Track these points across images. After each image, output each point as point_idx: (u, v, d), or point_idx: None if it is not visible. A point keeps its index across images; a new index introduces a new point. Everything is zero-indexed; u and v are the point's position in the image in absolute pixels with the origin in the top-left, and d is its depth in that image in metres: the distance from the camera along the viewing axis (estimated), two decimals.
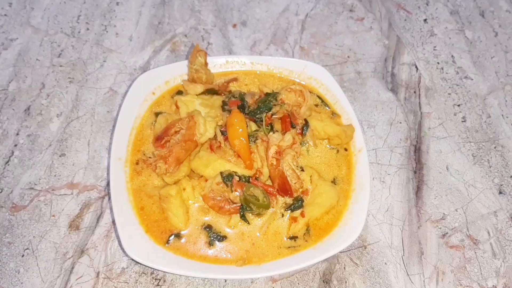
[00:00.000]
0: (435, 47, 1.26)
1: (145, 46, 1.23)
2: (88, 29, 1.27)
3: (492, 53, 1.25)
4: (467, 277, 0.92)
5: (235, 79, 1.04)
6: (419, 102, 1.15)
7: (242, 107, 0.94)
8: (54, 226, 0.96)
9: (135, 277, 0.91)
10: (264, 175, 0.91)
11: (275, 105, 0.95)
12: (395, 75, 1.20)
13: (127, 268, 0.92)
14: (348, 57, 1.23)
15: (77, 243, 0.94)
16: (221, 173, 0.88)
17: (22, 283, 0.90)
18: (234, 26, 1.28)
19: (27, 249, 0.94)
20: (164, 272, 0.88)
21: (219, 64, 1.07)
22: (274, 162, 0.89)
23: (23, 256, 0.93)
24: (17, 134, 1.08)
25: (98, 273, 0.91)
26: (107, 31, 1.26)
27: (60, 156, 1.05)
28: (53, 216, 0.97)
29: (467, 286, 0.91)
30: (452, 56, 1.24)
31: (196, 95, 0.99)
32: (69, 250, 0.94)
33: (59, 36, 1.25)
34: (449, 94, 1.17)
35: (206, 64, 0.99)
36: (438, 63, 1.23)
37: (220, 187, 0.87)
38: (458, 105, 1.15)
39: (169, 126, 0.90)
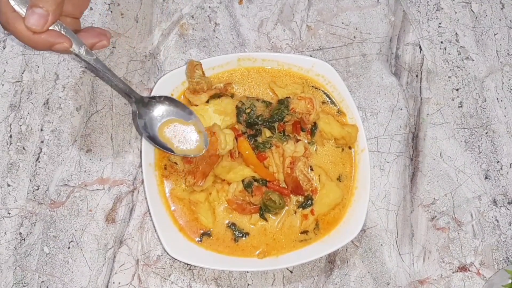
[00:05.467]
0: (440, 23, 1.27)
1: (152, 29, 1.23)
2: (91, 8, 1.25)
3: (496, 29, 1.27)
4: (449, 255, 1.09)
5: (229, 83, 1.09)
6: (420, 87, 1.22)
7: (252, 131, 1.05)
8: (93, 220, 1.09)
9: (169, 263, 1.07)
10: (279, 179, 1.02)
11: (287, 114, 1.02)
12: (399, 57, 1.24)
13: (162, 255, 1.07)
14: (354, 37, 1.25)
15: (115, 234, 1.08)
16: (243, 181, 1.01)
17: (72, 272, 1.06)
18: (241, 2, 1.27)
19: (71, 241, 1.08)
20: (201, 267, 1.03)
21: (232, 62, 1.10)
22: (289, 171, 1.00)
23: (69, 248, 1.07)
24: (41, 129, 1.15)
25: (137, 261, 1.07)
26: (111, 11, 1.25)
27: (86, 152, 1.13)
28: (90, 210, 1.09)
29: (449, 263, 1.09)
30: (456, 34, 1.27)
31: (204, 103, 1.05)
32: (109, 241, 1.08)
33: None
34: (449, 77, 1.23)
35: (204, 73, 1.04)
36: (441, 42, 1.26)
37: (242, 193, 1.00)
38: (457, 90, 1.22)
39: None
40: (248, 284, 1.05)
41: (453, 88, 1.22)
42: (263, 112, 1.05)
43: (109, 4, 1.25)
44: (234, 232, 1.03)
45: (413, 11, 1.27)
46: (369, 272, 1.07)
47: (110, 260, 1.06)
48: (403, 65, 1.23)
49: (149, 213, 1.03)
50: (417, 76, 1.23)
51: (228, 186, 1.02)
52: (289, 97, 1.04)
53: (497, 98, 1.21)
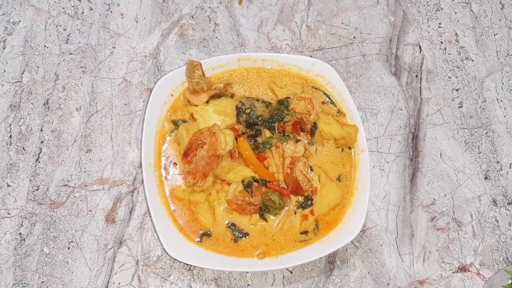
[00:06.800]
0: (440, 23, 1.27)
1: (152, 29, 1.23)
2: (91, 8, 1.25)
3: (496, 30, 1.27)
4: (449, 255, 1.09)
5: (229, 84, 1.09)
6: (420, 87, 1.22)
7: (251, 131, 1.05)
8: (93, 220, 1.09)
9: (169, 264, 1.07)
10: (279, 180, 1.03)
11: (287, 114, 1.03)
12: (399, 57, 1.24)
13: (161, 256, 1.07)
14: (354, 37, 1.25)
15: (115, 235, 1.08)
16: (242, 181, 1.01)
17: (72, 272, 1.06)
18: (240, 2, 1.27)
19: (71, 242, 1.07)
20: (201, 268, 1.03)
21: (231, 62, 1.10)
22: (289, 171, 1.00)
23: (69, 248, 1.07)
24: (41, 130, 1.15)
25: (137, 261, 1.07)
26: (111, 11, 1.25)
27: (86, 152, 1.13)
28: (90, 211, 1.09)
29: (449, 263, 1.09)
30: (456, 34, 1.26)
31: (204, 103, 1.05)
32: (109, 241, 1.08)
33: (62, 18, 1.23)
34: (449, 77, 1.23)
35: (203, 74, 1.04)
36: (441, 42, 1.26)
37: (241, 193, 1.00)
38: (457, 90, 1.22)
39: (193, 141, 0.98)
40: (248, 285, 1.05)
41: (453, 88, 1.22)
42: (263, 112, 1.05)
43: (109, 4, 1.25)
44: (234, 232, 1.03)
45: (413, 11, 1.27)
46: (369, 273, 1.07)
47: (110, 261, 1.06)
48: (403, 65, 1.23)
49: (149, 214, 1.03)
50: (417, 76, 1.23)
51: (228, 187, 1.02)
52: (289, 98, 1.05)
53: (497, 98, 1.21)
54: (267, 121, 1.04)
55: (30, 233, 1.07)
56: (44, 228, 1.07)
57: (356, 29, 1.25)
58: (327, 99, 1.11)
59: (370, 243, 1.09)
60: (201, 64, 1.05)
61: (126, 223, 1.09)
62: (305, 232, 1.04)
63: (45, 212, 1.09)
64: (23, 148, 1.13)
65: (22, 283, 1.04)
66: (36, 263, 1.05)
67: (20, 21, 1.22)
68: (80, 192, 1.10)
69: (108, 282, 1.05)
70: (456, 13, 1.28)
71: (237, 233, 1.03)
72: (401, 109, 1.19)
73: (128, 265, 1.06)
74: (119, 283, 1.05)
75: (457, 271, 1.08)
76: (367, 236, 1.10)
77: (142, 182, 1.06)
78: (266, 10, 1.26)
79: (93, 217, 1.09)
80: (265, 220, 1.03)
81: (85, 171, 1.12)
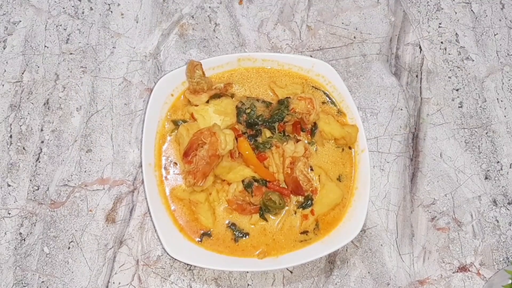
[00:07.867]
0: (440, 23, 1.27)
1: (152, 29, 1.23)
2: (91, 8, 1.25)
3: (496, 30, 1.27)
4: (449, 255, 1.09)
5: (230, 84, 1.10)
6: (420, 87, 1.22)
7: (251, 130, 1.05)
8: (93, 220, 1.09)
9: (169, 263, 1.07)
10: (279, 180, 1.03)
11: (287, 114, 1.03)
12: (399, 57, 1.24)
13: (162, 255, 1.07)
14: (355, 37, 1.25)
15: (115, 235, 1.08)
16: (243, 181, 1.01)
17: (72, 272, 1.06)
18: (241, 2, 1.27)
19: (71, 241, 1.08)
20: (201, 267, 1.04)
21: (232, 62, 1.10)
22: (289, 171, 1.00)
23: (69, 248, 1.07)
24: (42, 130, 1.15)
25: (137, 261, 1.07)
26: (111, 11, 1.25)
27: (86, 152, 1.14)
28: (90, 211, 1.09)
29: (449, 263, 1.09)
30: (456, 34, 1.27)
31: (204, 103, 1.05)
32: (109, 241, 1.08)
33: (63, 17, 1.24)
34: (449, 77, 1.23)
35: (204, 74, 1.04)
36: (441, 42, 1.26)
37: (242, 193, 1.00)
38: (457, 90, 1.22)
39: (193, 141, 0.98)
40: (248, 284, 1.05)
41: (453, 88, 1.22)
42: (263, 112, 1.05)
43: (109, 4, 1.25)
44: (234, 232, 1.03)
45: (413, 11, 1.28)
46: (369, 273, 1.07)
47: (110, 260, 1.06)
48: (403, 65, 1.23)
49: (149, 213, 1.03)
50: (417, 76, 1.23)
51: (228, 186, 1.02)
52: (289, 97, 1.05)
53: (497, 98, 1.22)
54: (267, 121, 1.04)
55: (30, 233, 1.07)
56: (44, 228, 1.08)
57: (356, 29, 1.25)
58: (327, 99, 1.11)
59: (370, 243, 1.09)
60: (201, 64, 1.05)
61: (126, 223, 1.09)
62: (305, 232, 1.04)
63: (45, 212, 1.09)
64: (23, 148, 1.13)
65: (22, 283, 1.04)
66: (36, 263, 1.05)
67: (20, 21, 1.22)
68: (80, 192, 1.10)
69: (108, 282, 1.05)
70: (456, 13, 1.28)
71: (237, 233, 1.03)
72: (401, 109, 1.19)
73: (128, 265, 1.06)
74: (119, 283, 1.05)
75: (457, 271, 1.08)
76: (367, 236, 1.10)
77: (142, 182, 1.06)
78: (266, 10, 1.26)
79: (93, 217, 1.09)
80: (265, 220, 1.03)
81: (85, 171, 1.12)
